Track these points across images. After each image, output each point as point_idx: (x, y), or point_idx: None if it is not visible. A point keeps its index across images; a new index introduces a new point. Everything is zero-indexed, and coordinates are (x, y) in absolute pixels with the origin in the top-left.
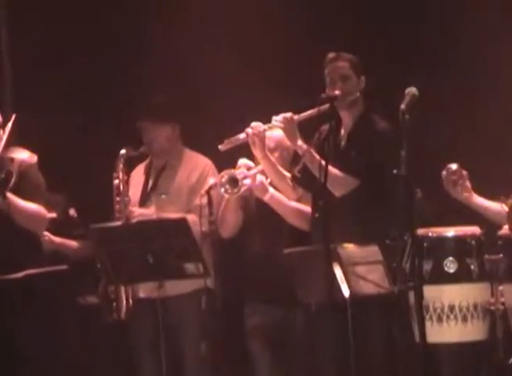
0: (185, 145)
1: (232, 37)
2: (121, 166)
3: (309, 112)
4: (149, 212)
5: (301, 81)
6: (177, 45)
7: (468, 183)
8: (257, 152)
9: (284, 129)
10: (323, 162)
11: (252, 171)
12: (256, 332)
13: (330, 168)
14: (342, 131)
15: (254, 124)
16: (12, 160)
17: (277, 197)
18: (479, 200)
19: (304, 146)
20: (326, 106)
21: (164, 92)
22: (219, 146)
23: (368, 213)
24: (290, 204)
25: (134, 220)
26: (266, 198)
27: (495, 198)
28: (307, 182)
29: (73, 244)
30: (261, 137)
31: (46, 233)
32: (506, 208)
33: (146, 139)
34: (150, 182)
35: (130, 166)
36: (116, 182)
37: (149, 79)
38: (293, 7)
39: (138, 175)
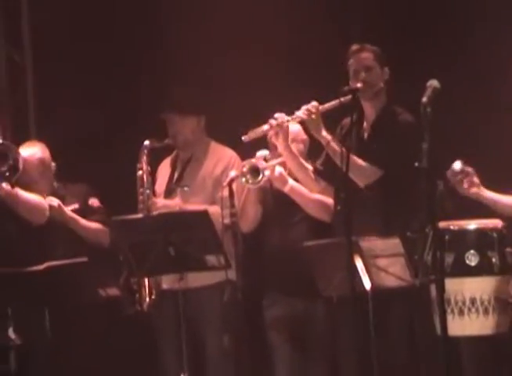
0: (210, 136)
1: (254, 28)
2: (145, 157)
3: (332, 103)
4: (173, 204)
5: (324, 72)
6: (199, 39)
7: (476, 179)
8: (279, 143)
9: (308, 120)
10: (348, 154)
11: (271, 163)
12: (276, 323)
13: (354, 158)
14: (365, 124)
15: (277, 115)
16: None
17: (297, 189)
18: (489, 195)
19: (329, 137)
20: (349, 97)
21: (187, 85)
22: (243, 138)
23: (390, 205)
24: (311, 195)
25: (155, 212)
26: (286, 189)
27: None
28: (329, 174)
29: (86, 223)
30: (285, 128)
31: (56, 201)
32: None
33: (171, 131)
34: (176, 175)
35: (155, 158)
36: (139, 173)
37: (173, 70)
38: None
39: (166, 167)
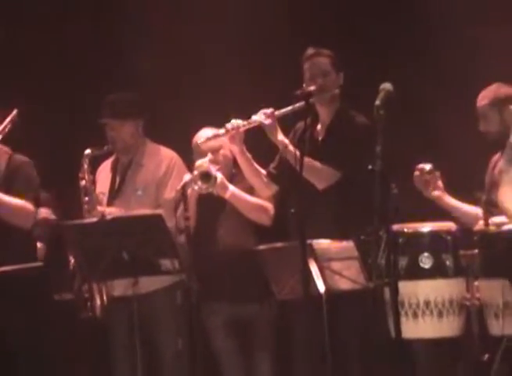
0: (159, 139)
1: (209, 30)
2: (86, 166)
3: (288, 108)
4: (117, 211)
5: (279, 76)
6: (141, 42)
7: (440, 183)
8: (234, 148)
9: (265, 124)
10: (302, 156)
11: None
12: (216, 333)
13: (312, 161)
14: (319, 127)
15: (233, 120)
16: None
17: (238, 194)
18: (451, 201)
19: (286, 141)
20: (302, 103)
21: (126, 89)
22: (198, 141)
23: (344, 209)
24: (251, 199)
25: (109, 216)
26: (227, 195)
27: (470, 195)
28: (282, 178)
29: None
30: (240, 133)
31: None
32: (479, 210)
33: (110, 137)
34: (117, 180)
35: (96, 164)
36: (83, 182)
37: (122, 75)
38: (272, 3)
39: (105, 172)
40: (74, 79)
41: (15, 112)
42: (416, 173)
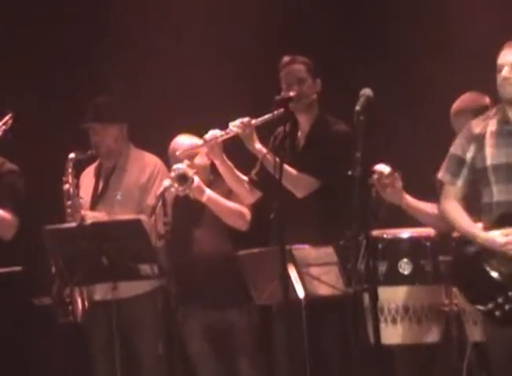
0: (141, 144)
1: (190, 36)
2: (70, 170)
3: (266, 116)
4: (101, 216)
5: (259, 82)
6: (125, 47)
7: (400, 184)
8: (214, 158)
9: (242, 134)
10: (281, 164)
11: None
12: (193, 338)
13: (291, 169)
14: (299, 134)
15: (211, 131)
16: None
17: (214, 198)
18: (411, 202)
19: (264, 150)
20: (281, 110)
21: (110, 93)
22: (177, 153)
23: (324, 214)
24: (228, 204)
25: (88, 221)
26: (204, 199)
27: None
28: (264, 184)
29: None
30: (219, 144)
31: None
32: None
33: (93, 141)
34: (101, 184)
35: (79, 169)
36: (66, 186)
37: (103, 80)
38: (251, 11)
39: (89, 176)
40: (57, 83)
41: (9, 116)
42: (375, 176)
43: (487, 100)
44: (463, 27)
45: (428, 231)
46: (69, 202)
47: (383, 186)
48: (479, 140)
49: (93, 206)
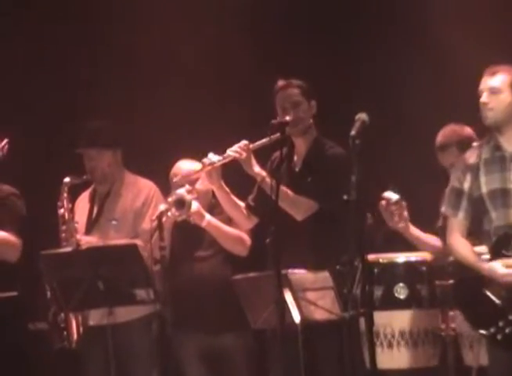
0: (128, 169)
1: (188, 61)
2: (65, 194)
3: (263, 141)
4: (95, 240)
5: (257, 107)
6: (117, 71)
7: (406, 213)
8: (212, 183)
9: (240, 158)
10: (280, 187)
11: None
12: (189, 363)
13: (290, 192)
14: (295, 158)
15: (210, 155)
16: None
17: (214, 223)
18: (415, 232)
19: (263, 173)
20: (277, 135)
21: (103, 118)
22: (174, 179)
23: (321, 239)
24: (228, 229)
25: (84, 246)
26: (204, 224)
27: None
28: (261, 210)
29: None
30: (217, 169)
31: None
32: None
33: (88, 166)
34: (95, 209)
35: (74, 194)
36: (61, 211)
37: (101, 104)
38: (244, 34)
39: (83, 202)
40: (51, 107)
41: (5, 141)
42: (382, 202)
43: (468, 130)
44: (454, 56)
45: (424, 256)
46: (64, 227)
47: (390, 214)
48: (474, 169)
49: (88, 231)
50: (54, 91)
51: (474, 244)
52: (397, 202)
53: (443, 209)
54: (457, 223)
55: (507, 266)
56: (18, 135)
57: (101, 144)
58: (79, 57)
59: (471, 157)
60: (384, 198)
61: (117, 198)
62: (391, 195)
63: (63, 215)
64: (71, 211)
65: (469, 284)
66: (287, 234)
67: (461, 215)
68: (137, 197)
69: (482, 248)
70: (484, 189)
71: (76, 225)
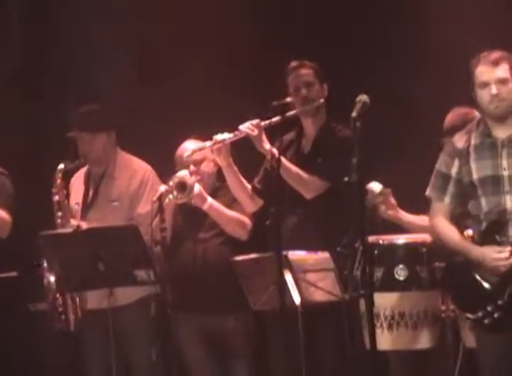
0: (139, 151)
1: (183, 39)
2: (59, 181)
3: (275, 119)
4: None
5: (262, 88)
6: (111, 55)
7: (392, 201)
8: (221, 160)
9: (251, 135)
10: (290, 165)
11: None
12: (189, 343)
13: (300, 171)
14: (304, 140)
15: (220, 134)
16: None
17: (216, 206)
18: (407, 217)
19: (274, 150)
20: (292, 112)
21: (96, 101)
22: (185, 154)
23: (325, 220)
24: (229, 212)
25: (84, 227)
26: (205, 207)
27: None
28: (266, 192)
29: None
30: (227, 145)
31: None
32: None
33: (81, 149)
34: (91, 191)
35: (68, 177)
36: (56, 197)
37: (96, 86)
38: (252, 17)
39: (78, 182)
40: (44, 92)
41: None
42: (367, 196)
43: (477, 114)
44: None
45: (424, 237)
46: (59, 213)
47: (376, 204)
48: (463, 155)
49: (84, 214)
50: (50, 73)
51: (466, 227)
52: (380, 193)
53: (427, 192)
54: (442, 207)
55: (499, 252)
56: (10, 120)
57: (94, 128)
58: (75, 36)
59: (459, 141)
60: (368, 190)
61: (111, 180)
62: (374, 187)
63: (59, 202)
64: (66, 196)
65: (458, 268)
66: (289, 216)
67: (447, 199)
68: (132, 179)
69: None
70: (475, 176)
71: (77, 206)
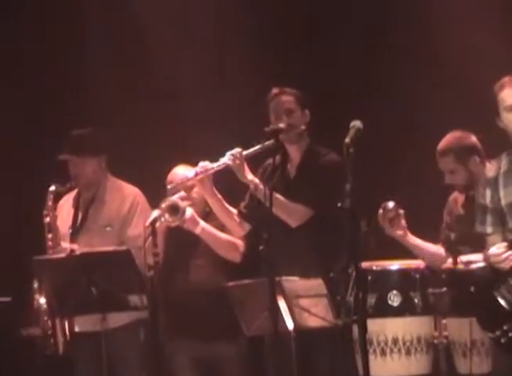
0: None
1: (181, 66)
2: (50, 203)
3: (256, 147)
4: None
5: (249, 114)
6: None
7: (403, 222)
8: (205, 190)
9: (233, 165)
10: (274, 194)
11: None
12: (183, 371)
13: (284, 199)
14: (289, 165)
15: (202, 163)
16: None
17: (208, 230)
18: (414, 240)
19: (256, 180)
20: (272, 141)
21: (88, 125)
22: (168, 186)
23: (315, 246)
24: (222, 235)
25: (78, 252)
26: (198, 231)
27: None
28: (253, 217)
29: None
30: (209, 176)
31: None
32: (441, 249)
33: (72, 173)
34: (80, 215)
35: (58, 200)
36: (47, 219)
37: (75, 112)
38: (239, 42)
39: (67, 206)
40: (38, 114)
41: None
42: (380, 211)
43: (472, 139)
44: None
45: (417, 263)
46: (49, 235)
47: (387, 221)
48: (492, 183)
49: (73, 237)
50: (44, 97)
51: (460, 252)
52: (394, 209)
53: (476, 228)
54: (488, 239)
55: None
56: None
57: (85, 152)
58: (67, 61)
59: (491, 170)
60: (381, 206)
61: (101, 204)
62: (388, 203)
63: (49, 223)
64: (57, 219)
65: (483, 289)
66: (282, 241)
67: (489, 229)
68: (122, 203)
69: (470, 257)
70: (503, 202)
71: (66, 229)
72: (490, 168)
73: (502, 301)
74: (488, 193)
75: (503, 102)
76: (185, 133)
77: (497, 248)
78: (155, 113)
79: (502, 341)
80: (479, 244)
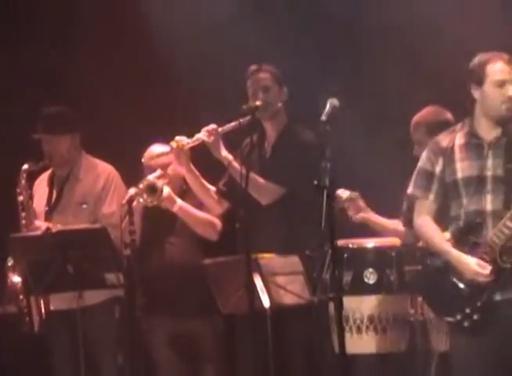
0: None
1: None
2: (24, 182)
3: (232, 124)
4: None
5: (228, 90)
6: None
7: (362, 204)
8: (181, 166)
9: (208, 141)
10: (247, 172)
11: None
12: (160, 347)
13: (256, 176)
14: (266, 144)
15: (178, 138)
16: None
17: (185, 208)
18: (378, 220)
19: (230, 157)
20: (248, 118)
21: (60, 103)
22: (143, 160)
23: (290, 224)
24: (199, 214)
25: (54, 230)
26: (175, 209)
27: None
28: (232, 194)
29: None
30: (185, 151)
31: None
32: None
33: (46, 151)
34: (54, 194)
35: (32, 179)
36: (20, 198)
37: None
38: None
39: (42, 185)
40: (11, 92)
41: None
42: (335, 202)
43: (447, 115)
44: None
45: (393, 241)
46: (23, 213)
47: (344, 209)
48: (447, 154)
49: (48, 215)
50: (16, 74)
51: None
52: (348, 198)
53: (410, 190)
54: (427, 205)
55: (479, 266)
56: None
57: (59, 130)
58: (43, 34)
59: (444, 140)
60: (335, 197)
61: (76, 182)
62: (342, 193)
63: (23, 202)
64: (30, 197)
65: (435, 271)
66: (258, 219)
67: (431, 196)
68: (96, 181)
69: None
70: (459, 175)
71: (40, 207)
72: (443, 138)
73: (461, 285)
74: (441, 162)
75: (493, 75)
76: (163, 112)
77: (481, 267)
78: (131, 91)
79: (466, 324)
80: (450, 222)
